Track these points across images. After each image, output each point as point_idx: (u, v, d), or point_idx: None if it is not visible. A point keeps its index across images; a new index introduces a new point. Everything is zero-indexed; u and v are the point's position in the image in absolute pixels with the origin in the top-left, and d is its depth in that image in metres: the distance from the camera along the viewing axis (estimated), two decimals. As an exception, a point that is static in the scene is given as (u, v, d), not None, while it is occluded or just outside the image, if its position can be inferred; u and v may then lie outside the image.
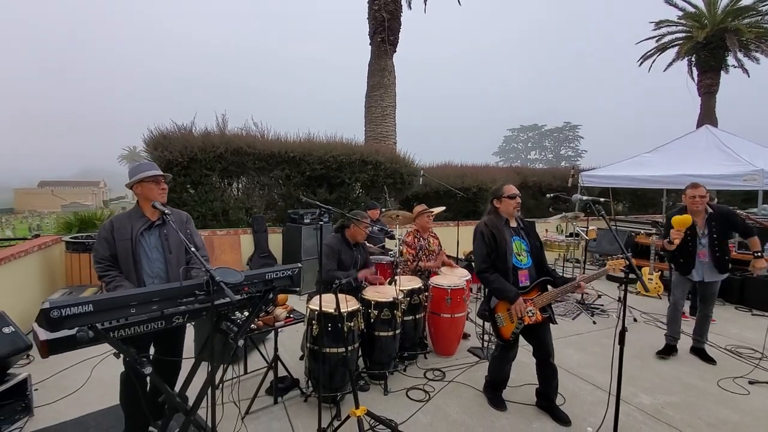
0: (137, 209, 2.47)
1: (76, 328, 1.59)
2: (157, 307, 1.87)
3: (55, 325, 1.51)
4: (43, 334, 1.57)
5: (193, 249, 2.06)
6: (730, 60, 15.23)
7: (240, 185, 7.07)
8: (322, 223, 2.45)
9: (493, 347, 3.05)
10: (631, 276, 2.30)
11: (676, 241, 3.71)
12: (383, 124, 9.49)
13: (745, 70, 15.39)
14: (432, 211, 4.37)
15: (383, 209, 5.94)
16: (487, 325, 4.04)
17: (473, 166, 10.78)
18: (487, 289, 2.94)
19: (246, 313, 2.47)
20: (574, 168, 7.43)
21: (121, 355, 1.91)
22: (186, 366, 2.56)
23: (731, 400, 3.20)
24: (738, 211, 6.13)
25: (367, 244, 5.27)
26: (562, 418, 2.85)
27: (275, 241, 6.60)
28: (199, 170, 6.29)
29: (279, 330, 3.04)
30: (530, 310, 2.71)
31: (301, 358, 3.71)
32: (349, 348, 2.82)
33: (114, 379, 2.48)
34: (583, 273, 5.97)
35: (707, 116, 15.11)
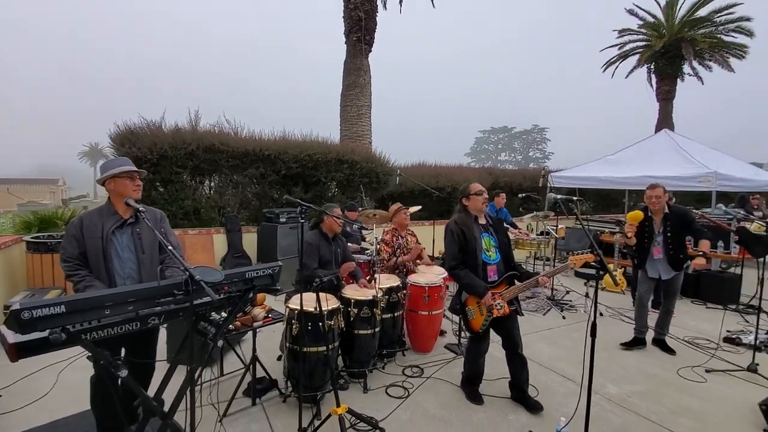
0: (109, 206, 2.37)
1: (48, 330, 1.52)
2: (132, 307, 1.81)
3: (25, 327, 1.43)
4: (12, 337, 1.49)
5: (170, 247, 2.00)
6: (686, 68, 16.17)
7: (212, 184, 6.88)
8: (303, 221, 2.44)
9: (467, 342, 3.14)
10: (601, 272, 2.42)
11: (630, 235, 3.96)
12: (359, 123, 9.49)
13: (700, 78, 16.39)
14: (408, 209, 4.41)
15: (360, 208, 5.95)
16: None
17: (447, 166, 10.93)
18: (457, 285, 3.03)
19: (223, 314, 2.43)
20: (544, 169, 7.70)
21: (93, 358, 1.83)
22: (159, 369, 2.49)
23: (691, 388, 3.42)
24: (694, 211, 6.53)
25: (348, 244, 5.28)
26: (534, 406, 2.97)
27: (249, 241, 6.47)
28: (170, 168, 6.08)
29: (257, 330, 2.99)
30: (498, 303, 2.83)
31: (279, 359, 3.67)
32: (330, 347, 2.82)
33: (83, 382, 2.38)
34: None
35: (665, 121, 15.97)
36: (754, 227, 5.97)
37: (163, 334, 3.15)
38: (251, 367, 2.95)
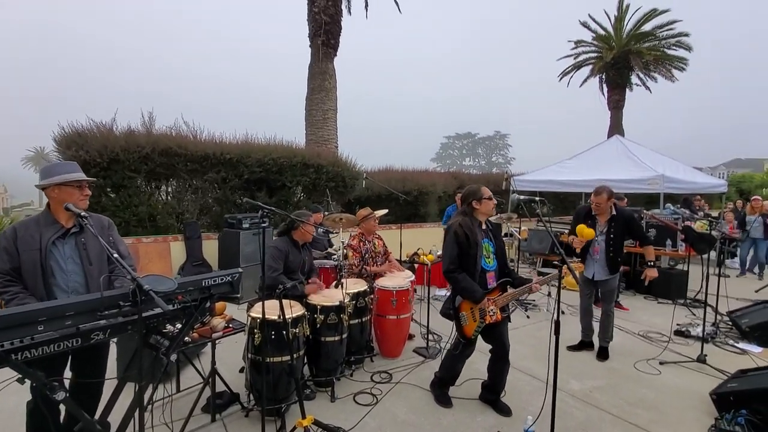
0: (48, 215, 2.15)
1: (-32, 352, 1.35)
2: (71, 322, 1.64)
3: (-62, 349, 1.26)
4: None
5: (116, 255, 1.84)
6: (634, 79, 17.26)
7: (170, 189, 6.54)
8: (264, 225, 2.33)
9: (450, 346, 3.08)
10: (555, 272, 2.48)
11: (577, 248, 3.96)
12: (324, 127, 9.37)
13: (647, 88, 17.54)
14: (377, 215, 4.37)
15: (326, 213, 5.85)
16: (436, 324, 4.12)
17: (414, 170, 11.00)
18: (451, 289, 2.97)
19: (179, 325, 2.27)
20: (507, 173, 7.92)
21: (27, 380, 1.65)
22: (108, 389, 2.29)
23: (646, 380, 3.57)
24: (645, 212, 6.92)
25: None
26: (504, 410, 2.98)
27: (210, 248, 6.19)
28: (122, 172, 5.72)
29: (216, 342, 2.83)
30: (492, 310, 2.79)
31: (241, 371, 3.50)
32: (295, 356, 2.71)
33: (17, 408, 2.15)
34: (516, 271, 6.34)
35: (616, 128, 16.94)
36: (698, 226, 6.40)
37: (113, 350, 2.93)
38: (210, 380, 2.79)
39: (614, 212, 3.99)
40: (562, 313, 5.39)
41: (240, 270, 2.23)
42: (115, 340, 3.12)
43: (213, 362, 2.80)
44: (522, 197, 2.66)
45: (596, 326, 4.23)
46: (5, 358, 1.49)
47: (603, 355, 4.05)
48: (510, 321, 3.05)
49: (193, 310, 2.03)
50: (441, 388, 3.17)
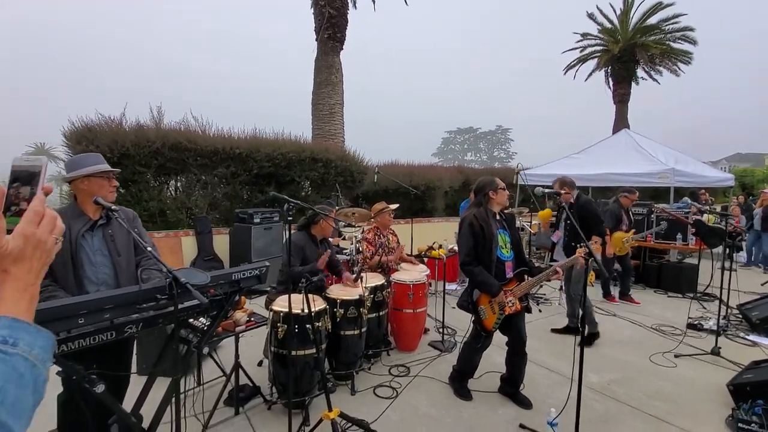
0: (74, 207, 2.15)
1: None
2: (108, 315, 1.65)
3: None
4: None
5: (149, 248, 1.85)
6: (640, 72, 17.16)
7: (179, 184, 6.54)
8: (291, 218, 2.33)
9: (469, 339, 3.09)
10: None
11: (543, 228, 4.59)
12: (331, 121, 9.35)
13: (655, 80, 17.44)
14: (392, 208, 4.37)
15: (336, 207, 5.85)
16: (449, 318, 4.13)
17: (420, 165, 11.00)
18: (469, 281, 2.98)
19: (202, 319, 2.28)
20: (518, 166, 7.91)
21: (64, 373, 1.66)
22: (134, 382, 2.31)
23: (663, 373, 3.58)
24: (655, 205, 6.91)
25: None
26: (524, 402, 3.00)
27: (221, 243, 6.20)
28: (132, 167, 5.72)
29: (240, 335, 2.85)
30: (510, 300, 2.80)
31: (260, 364, 3.52)
32: (320, 348, 2.72)
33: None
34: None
35: (621, 122, 16.88)
36: (707, 219, 6.39)
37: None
38: (234, 374, 2.80)
39: (572, 200, 4.32)
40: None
41: (267, 264, 2.24)
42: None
43: (237, 356, 2.81)
44: (547, 190, 2.65)
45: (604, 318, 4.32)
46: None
47: (575, 333, 4.21)
48: (530, 312, 3.06)
49: (223, 303, 2.03)
50: (460, 381, 3.18)
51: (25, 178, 0.64)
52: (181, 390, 2.73)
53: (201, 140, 6.29)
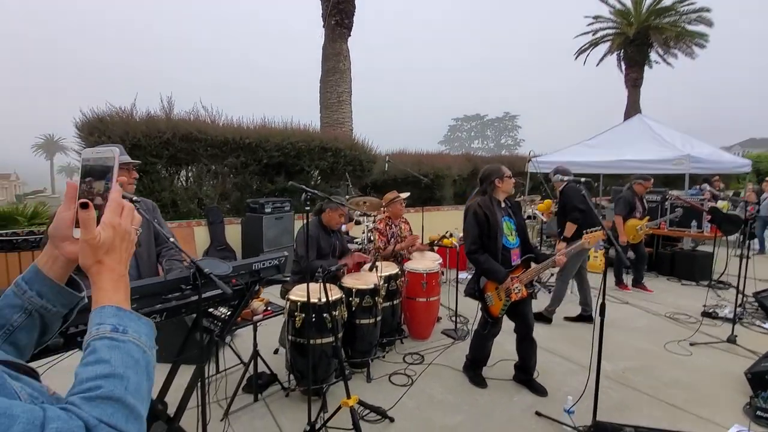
0: None
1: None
2: (136, 306, 1.67)
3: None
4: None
5: (172, 239, 1.86)
6: (653, 55, 16.74)
7: (190, 174, 6.57)
8: (308, 208, 2.33)
9: (476, 326, 3.12)
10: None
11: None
12: (339, 110, 9.27)
13: (669, 63, 17.01)
14: (403, 198, 4.36)
15: (347, 196, 5.84)
16: (460, 306, 4.15)
17: (428, 153, 10.91)
18: (475, 269, 2.99)
19: (221, 309, 2.30)
20: (530, 153, 7.82)
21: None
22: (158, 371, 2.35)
23: (679, 361, 3.57)
24: (670, 192, 6.81)
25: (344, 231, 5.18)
26: (539, 390, 3.01)
27: (233, 233, 6.24)
28: (144, 158, 5.73)
29: (258, 324, 2.88)
30: (517, 287, 2.81)
31: (276, 352, 3.57)
32: (338, 337, 2.74)
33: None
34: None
35: (633, 107, 16.53)
36: (721, 206, 6.29)
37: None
38: (253, 361, 2.84)
39: (560, 189, 4.41)
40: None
41: (285, 253, 2.25)
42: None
43: (255, 344, 2.85)
44: (565, 178, 2.62)
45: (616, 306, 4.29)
46: (75, 340, 1.53)
47: (588, 321, 4.37)
48: (535, 298, 3.07)
49: (244, 293, 2.05)
50: (474, 370, 3.20)
51: (98, 173, 0.64)
52: (208, 377, 2.81)
53: (211, 130, 6.29)
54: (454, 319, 4.20)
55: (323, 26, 9.31)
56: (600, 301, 2.36)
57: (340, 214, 3.38)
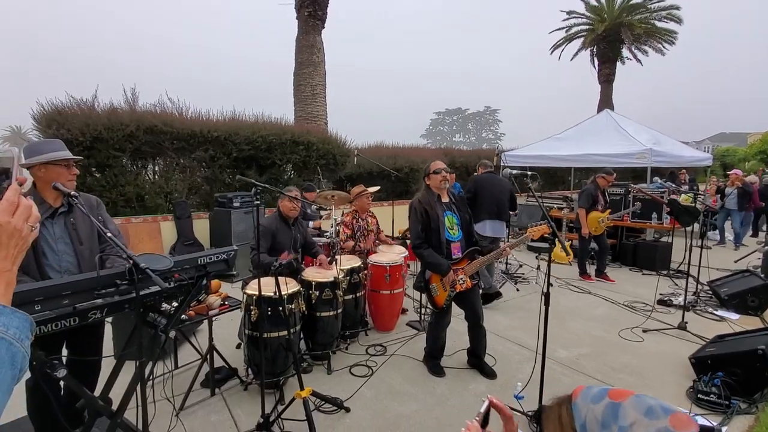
0: (35, 195, 2.12)
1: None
2: (68, 301, 1.65)
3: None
4: None
5: (109, 234, 1.83)
6: (625, 52, 17.15)
7: (157, 168, 6.42)
8: (258, 203, 2.32)
9: (429, 318, 3.20)
10: (546, 245, 2.54)
11: None
12: (313, 103, 9.19)
13: (638, 61, 17.46)
14: (370, 192, 4.37)
15: (318, 190, 5.83)
16: (424, 298, 4.21)
17: (405, 147, 10.96)
18: (420, 263, 3.07)
19: (175, 303, 2.28)
20: (497, 149, 7.93)
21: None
22: (107, 366, 2.32)
23: (630, 347, 3.72)
24: (632, 185, 7.03)
25: (312, 227, 5.16)
26: (488, 373, 3.15)
27: (201, 228, 6.15)
28: (106, 151, 5.59)
29: (213, 319, 2.86)
30: (461, 278, 2.89)
31: (238, 347, 3.56)
32: (292, 330, 2.76)
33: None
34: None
35: (605, 102, 16.95)
36: (683, 199, 6.54)
37: (108, 330, 2.95)
38: (208, 356, 2.83)
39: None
40: (551, 285, 5.51)
41: (235, 247, 2.24)
42: (110, 319, 3.15)
43: (210, 338, 2.84)
44: (514, 171, 2.68)
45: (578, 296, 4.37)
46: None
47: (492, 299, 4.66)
48: (481, 288, 3.17)
49: (189, 288, 2.04)
50: (432, 360, 3.27)
51: (3, 172, 0.69)
52: (158, 373, 2.78)
53: (178, 123, 6.16)
54: (419, 310, 4.26)
55: (296, 17, 9.19)
56: (544, 290, 2.44)
57: (292, 199, 3.35)
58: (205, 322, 2.86)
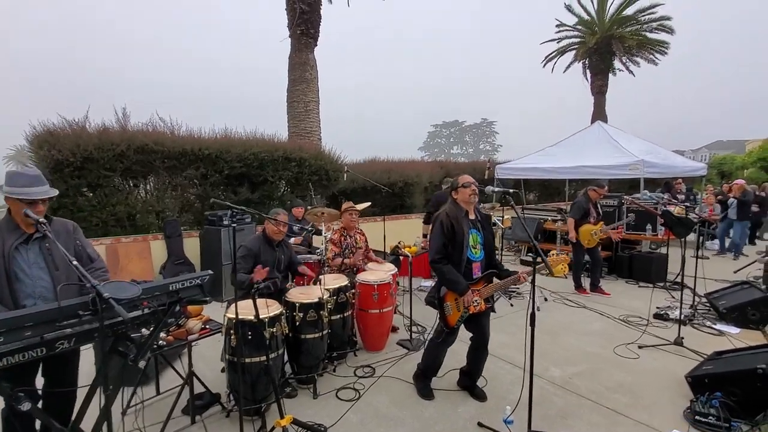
0: (9, 220, 2.11)
1: None
2: (31, 332, 1.60)
3: None
4: None
5: (75, 262, 1.79)
6: (617, 63, 17.33)
7: (148, 186, 6.40)
8: (235, 225, 2.28)
9: (432, 335, 3.09)
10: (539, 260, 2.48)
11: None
12: (307, 119, 9.24)
13: (630, 72, 17.63)
14: (357, 209, 4.34)
15: (309, 207, 5.79)
16: (421, 315, 4.14)
17: (399, 161, 10.96)
18: (437, 279, 2.97)
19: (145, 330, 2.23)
20: (489, 161, 7.93)
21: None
22: (83, 394, 2.25)
23: (626, 364, 3.63)
24: (625, 197, 7.00)
25: (292, 243, 5.10)
26: (480, 396, 3.06)
27: (192, 246, 6.10)
28: (97, 171, 5.57)
29: (193, 343, 2.79)
30: (476, 300, 2.79)
31: (223, 371, 3.47)
32: (272, 355, 2.68)
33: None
34: (501, 259, 6.40)
35: (599, 114, 17.06)
36: (677, 211, 6.50)
37: (90, 355, 2.88)
38: (189, 382, 2.75)
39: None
40: (545, 300, 5.45)
41: (210, 272, 2.19)
42: (88, 346, 3.08)
43: (190, 365, 2.76)
44: (496, 189, 2.64)
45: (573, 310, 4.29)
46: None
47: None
48: (494, 311, 3.08)
49: (161, 316, 1.99)
50: (424, 380, 3.18)
51: None
52: (136, 401, 2.71)
53: (169, 142, 6.16)
54: (409, 329, 4.18)
55: (289, 36, 9.30)
56: (530, 310, 2.38)
57: (280, 227, 3.31)
58: (174, 347, 2.78)
